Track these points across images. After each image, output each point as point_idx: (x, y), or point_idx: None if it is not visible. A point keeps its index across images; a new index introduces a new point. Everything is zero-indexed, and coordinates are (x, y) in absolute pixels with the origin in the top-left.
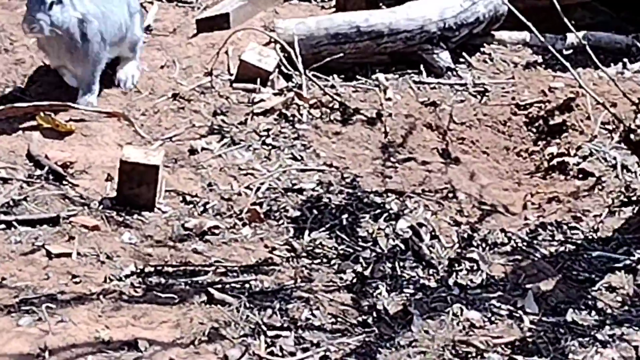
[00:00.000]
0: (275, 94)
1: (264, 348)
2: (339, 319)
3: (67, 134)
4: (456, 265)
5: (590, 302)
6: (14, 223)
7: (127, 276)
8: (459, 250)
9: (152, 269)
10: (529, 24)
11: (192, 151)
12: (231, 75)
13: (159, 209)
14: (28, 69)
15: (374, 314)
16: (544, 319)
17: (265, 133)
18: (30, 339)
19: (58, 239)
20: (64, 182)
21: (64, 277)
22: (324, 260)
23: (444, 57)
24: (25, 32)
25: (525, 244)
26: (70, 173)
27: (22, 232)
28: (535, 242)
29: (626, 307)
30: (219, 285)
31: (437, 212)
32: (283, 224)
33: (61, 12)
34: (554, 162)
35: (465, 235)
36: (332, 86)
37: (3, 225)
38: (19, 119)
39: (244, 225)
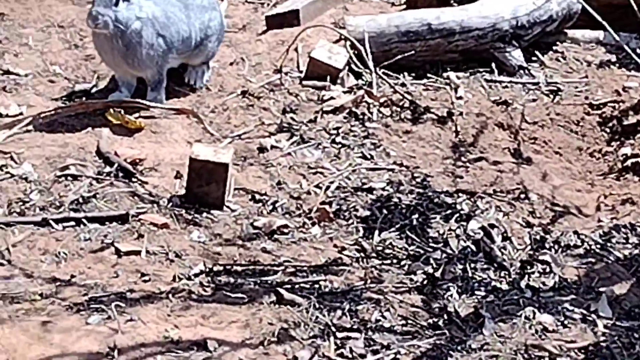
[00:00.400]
0: (345, 92)
1: (334, 349)
2: (410, 321)
3: (137, 131)
4: (528, 267)
5: None
6: (84, 220)
7: (196, 275)
8: (531, 252)
9: (221, 268)
10: (603, 22)
11: (262, 149)
12: (301, 72)
13: (228, 207)
14: (98, 65)
15: (445, 316)
16: (618, 323)
17: (335, 131)
18: (100, 337)
19: (127, 237)
20: (133, 180)
21: (133, 275)
22: (394, 261)
23: (516, 56)
24: (89, 26)
25: (598, 246)
26: (139, 170)
27: (91, 229)
28: (608, 244)
29: None
30: (289, 285)
31: (509, 213)
32: (353, 223)
33: (127, 10)
34: (628, 163)
35: (538, 237)
36: (403, 84)
37: (72, 223)
38: (88, 115)
39: (313, 224)
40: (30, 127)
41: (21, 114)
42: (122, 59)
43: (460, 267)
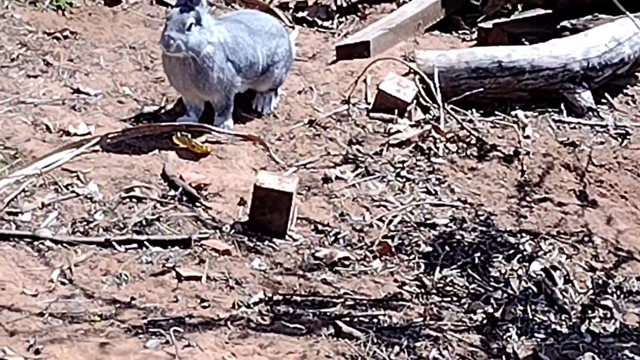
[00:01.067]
0: (412, 126)
1: None
2: None
3: (203, 156)
4: (589, 312)
5: None
6: (146, 243)
7: (255, 303)
8: (592, 297)
9: (280, 298)
10: None
11: (326, 179)
12: (368, 104)
13: (290, 236)
14: (167, 88)
15: (504, 358)
16: None
17: (401, 165)
18: None
19: (188, 262)
20: (197, 204)
21: (193, 300)
22: (454, 298)
23: (585, 97)
24: (162, 50)
25: None
26: (203, 195)
27: (153, 252)
28: None
29: None
30: (347, 318)
31: (572, 256)
32: (414, 258)
33: (199, 34)
34: None
35: (600, 282)
36: (470, 121)
37: (135, 245)
38: (155, 138)
39: (374, 257)
40: (97, 147)
41: (89, 133)
42: (193, 82)
43: (521, 308)
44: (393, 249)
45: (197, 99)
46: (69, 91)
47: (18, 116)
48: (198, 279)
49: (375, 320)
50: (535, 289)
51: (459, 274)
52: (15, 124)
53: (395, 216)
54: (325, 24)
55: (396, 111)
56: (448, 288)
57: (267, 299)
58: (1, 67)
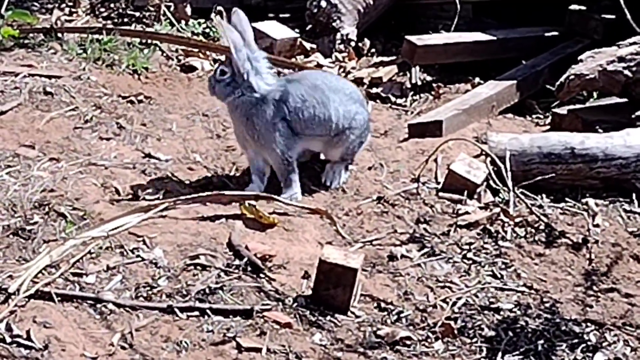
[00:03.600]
0: (480, 208)
1: None
2: None
3: (269, 227)
4: None
5: None
6: (208, 311)
7: None
8: None
9: None
10: None
11: (392, 257)
12: (438, 183)
13: (352, 312)
14: (237, 157)
15: None
16: None
17: (467, 247)
18: None
19: (249, 333)
20: (261, 275)
21: None
22: None
23: None
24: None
25: None
26: (268, 266)
27: (214, 321)
28: None
29: None
30: None
31: (637, 349)
32: (477, 342)
33: (225, 86)
34: None
35: None
36: (540, 206)
37: (197, 313)
38: (223, 207)
39: (436, 339)
40: (165, 213)
41: (158, 198)
42: (248, 140)
43: None
44: (455, 331)
45: (259, 158)
46: (140, 155)
47: (88, 178)
48: (258, 350)
49: None
50: None
51: None
52: (85, 185)
53: (459, 298)
54: (399, 101)
55: (466, 192)
56: None
57: None
58: (75, 128)
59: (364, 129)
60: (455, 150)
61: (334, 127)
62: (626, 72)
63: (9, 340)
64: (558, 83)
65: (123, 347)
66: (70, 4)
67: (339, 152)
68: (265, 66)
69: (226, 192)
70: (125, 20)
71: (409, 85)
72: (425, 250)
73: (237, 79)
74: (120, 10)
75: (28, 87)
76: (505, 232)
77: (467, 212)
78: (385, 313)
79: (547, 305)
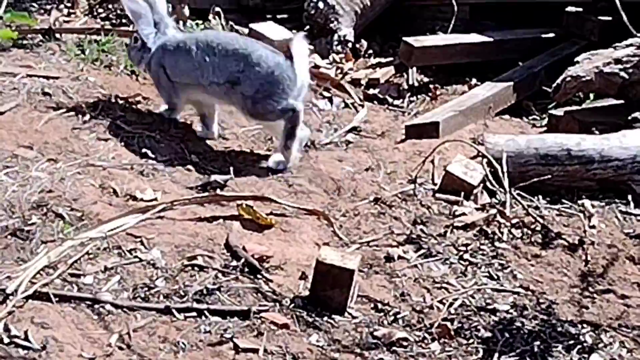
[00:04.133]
0: (477, 209)
1: None
2: None
3: (267, 228)
4: None
5: None
6: (206, 312)
7: None
8: None
9: None
10: None
11: (388, 258)
12: (435, 185)
13: (349, 313)
14: (235, 158)
15: None
16: None
17: (464, 248)
18: None
19: (247, 333)
20: (259, 276)
21: None
22: None
23: None
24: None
25: None
26: (265, 267)
27: (212, 322)
28: None
29: None
30: None
31: (633, 350)
32: (473, 343)
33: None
34: None
35: None
36: (536, 207)
37: (194, 313)
38: (221, 207)
39: (433, 340)
40: (163, 214)
41: (155, 199)
42: None
43: None
44: (452, 332)
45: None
46: (138, 156)
47: (86, 178)
48: (255, 351)
49: None
50: None
51: None
52: (83, 186)
53: (456, 299)
54: (396, 102)
55: (462, 194)
56: None
57: None
58: (73, 129)
59: (261, 87)
60: (452, 151)
61: (202, 78)
62: (622, 73)
63: (6, 340)
64: (554, 85)
65: (121, 348)
66: (69, 5)
67: (236, 109)
68: (171, 26)
69: (223, 193)
70: (124, 21)
71: (406, 87)
72: (422, 251)
73: (146, 45)
74: (119, 11)
75: (26, 88)
76: (502, 233)
77: (463, 214)
78: (382, 314)
79: (543, 306)
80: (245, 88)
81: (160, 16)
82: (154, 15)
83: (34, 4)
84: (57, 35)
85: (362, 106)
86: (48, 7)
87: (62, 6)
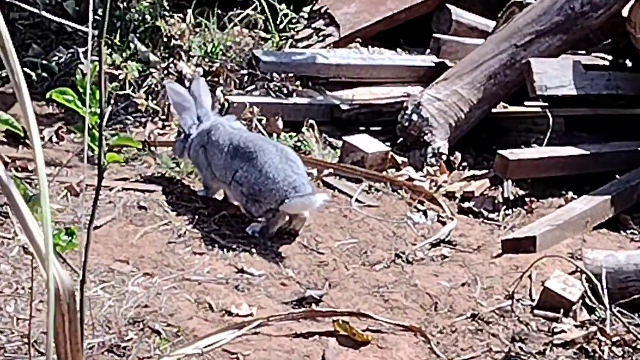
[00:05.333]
0: (576, 326)
1: None
2: None
3: (363, 344)
4: None
5: None
6: None
7: None
8: None
9: None
10: None
11: None
12: (532, 300)
13: None
14: (330, 272)
15: None
16: None
17: None
18: None
19: None
20: None
21: None
22: None
23: None
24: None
25: None
26: None
27: None
28: None
29: None
30: None
31: None
32: None
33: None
34: None
35: None
36: (637, 325)
37: None
38: (316, 323)
39: None
40: (258, 329)
41: (251, 314)
42: None
43: None
44: None
45: None
46: (233, 270)
47: (182, 293)
48: None
49: None
50: None
51: None
52: (179, 300)
53: None
54: (491, 215)
55: (561, 310)
56: None
57: None
58: (168, 242)
59: (254, 190)
60: (550, 266)
61: (219, 175)
62: None
63: None
64: None
65: None
66: (163, 117)
67: (237, 202)
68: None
69: (319, 309)
70: None
71: (501, 200)
72: None
73: (188, 136)
74: None
75: (122, 202)
76: (602, 351)
77: (563, 331)
78: None
79: None
80: (240, 187)
81: (205, 111)
82: (198, 110)
83: (129, 117)
84: (152, 148)
85: (452, 220)
86: (143, 120)
87: (156, 119)
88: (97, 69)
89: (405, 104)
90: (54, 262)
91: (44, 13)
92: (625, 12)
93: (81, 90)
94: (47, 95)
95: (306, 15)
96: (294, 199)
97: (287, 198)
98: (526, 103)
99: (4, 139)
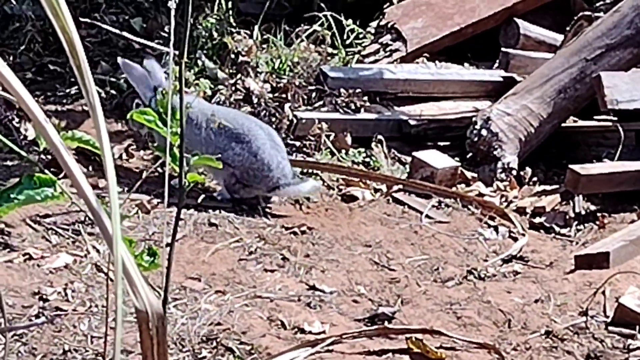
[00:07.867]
0: None
1: None
2: None
3: None
4: None
5: None
6: None
7: None
8: None
9: None
10: None
11: None
12: (607, 317)
13: None
14: (402, 289)
15: None
16: None
17: None
18: None
19: None
20: None
21: None
22: None
23: None
24: None
25: None
26: None
27: None
28: None
29: None
30: None
31: None
32: None
33: None
34: None
35: None
36: None
37: None
38: (389, 341)
39: None
40: (331, 347)
41: (324, 332)
42: None
43: None
44: None
45: None
46: (305, 287)
47: (254, 310)
48: None
49: None
50: None
51: None
52: (251, 318)
53: None
54: (563, 231)
55: (637, 327)
56: None
57: None
58: (239, 260)
59: (248, 174)
60: (624, 282)
61: (195, 148)
62: None
63: None
64: None
65: None
66: None
67: (217, 180)
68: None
69: (392, 326)
70: (287, 150)
71: (572, 215)
72: None
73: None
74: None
75: (193, 219)
76: None
77: (638, 348)
78: None
79: None
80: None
81: (159, 82)
82: (153, 82)
83: None
84: None
85: (524, 235)
86: None
87: None
88: (178, 88)
89: (474, 119)
90: (143, 284)
91: (111, 28)
92: None
93: (161, 110)
94: (128, 117)
95: (373, 31)
96: (287, 187)
97: (280, 185)
98: (596, 117)
99: (75, 157)
